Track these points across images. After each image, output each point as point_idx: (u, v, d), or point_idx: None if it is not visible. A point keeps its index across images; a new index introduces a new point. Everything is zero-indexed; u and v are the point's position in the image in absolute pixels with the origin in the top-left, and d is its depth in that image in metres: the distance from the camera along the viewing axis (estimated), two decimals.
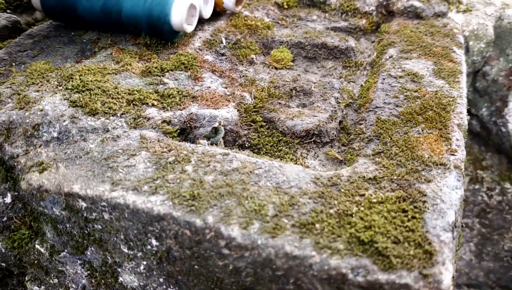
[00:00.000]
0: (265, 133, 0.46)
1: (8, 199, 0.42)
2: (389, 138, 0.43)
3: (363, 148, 0.43)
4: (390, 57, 0.56)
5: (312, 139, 0.46)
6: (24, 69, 0.51)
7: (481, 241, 0.70)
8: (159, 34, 0.54)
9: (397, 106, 0.48)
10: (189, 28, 0.53)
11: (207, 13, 0.58)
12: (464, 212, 0.71)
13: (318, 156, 0.45)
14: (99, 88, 0.45)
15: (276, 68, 0.57)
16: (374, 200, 0.36)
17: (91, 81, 0.46)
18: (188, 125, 0.44)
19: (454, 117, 0.45)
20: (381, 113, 0.47)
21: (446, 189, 0.37)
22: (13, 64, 0.52)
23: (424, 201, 0.35)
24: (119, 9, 0.52)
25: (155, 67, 0.50)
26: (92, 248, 0.39)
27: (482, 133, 0.72)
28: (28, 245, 0.44)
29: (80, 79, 0.46)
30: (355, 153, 0.43)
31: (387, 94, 0.49)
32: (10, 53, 0.54)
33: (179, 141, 0.42)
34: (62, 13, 0.55)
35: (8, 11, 0.67)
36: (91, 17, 0.54)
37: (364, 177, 0.38)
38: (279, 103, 0.50)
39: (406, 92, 0.49)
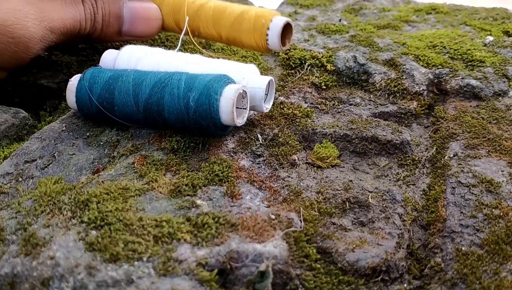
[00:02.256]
0: (321, 270, 0.38)
1: None
2: (478, 282, 0.35)
3: None
4: (454, 155, 0.48)
5: (380, 277, 0.38)
6: (32, 186, 0.44)
7: None
8: (208, 133, 0.47)
9: (477, 230, 0.40)
10: (241, 121, 0.47)
11: (268, 106, 0.51)
12: None
13: None
14: (121, 221, 0.38)
15: (320, 168, 0.49)
16: None
17: (111, 211, 0.38)
18: (228, 265, 0.37)
19: None
20: (460, 241, 0.39)
21: None
22: (20, 179, 0.45)
23: None
24: (163, 119, 0.46)
25: (185, 184, 0.42)
26: None
27: None
28: None
29: (97, 208, 0.39)
30: None
31: (461, 212, 0.41)
32: (16, 164, 0.46)
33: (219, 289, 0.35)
34: (101, 119, 0.50)
35: (16, 99, 0.60)
36: (132, 123, 0.49)
37: None
38: (333, 224, 0.42)
39: (484, 208, 0.41)
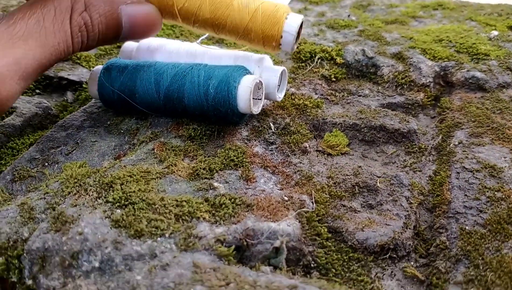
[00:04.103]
0: (333, 248, 0.40)
1: None
2: (481, 259, 0.37)
3: (451, 271, 0.37)
4: (459, 143, 0.50)
5: (388, 255, 0.40)
6: (58, 170, 0.47)
7: None
8: (225, 121, 0.50)
9: (480, 211, 0.42)
10: (256, 110, 0.49)
11: (281, 96, 0.53)
12: None
13: (395, 275, 0.39)
14: (144, 200, 0.40)
15: (331, 155, 0.51)
16: None
17: (134, 191, 0.41)
18: (245, 242, 0.39)
19: None
20: (464, 221, 0.41)
21: None
22: (46, 164, 0.47)
23: None
24: (183, 106, 0.48)
25: (203, 168, 0.45)
26: None
27: None
28: None
29: (121, 189, 0.41)
30: (442, 277, 0.37)
31: (466, 195, 0.43)
32: (42, 150, 0.49)
33: (236, 265, 0.37)
34: (121, 107, 0.52)
35: (38, 90, 0.63)
36: (152, 110, 0.51)
37: None
38: (343, 206, 0.44)
39: (487, 191, 0.43)
